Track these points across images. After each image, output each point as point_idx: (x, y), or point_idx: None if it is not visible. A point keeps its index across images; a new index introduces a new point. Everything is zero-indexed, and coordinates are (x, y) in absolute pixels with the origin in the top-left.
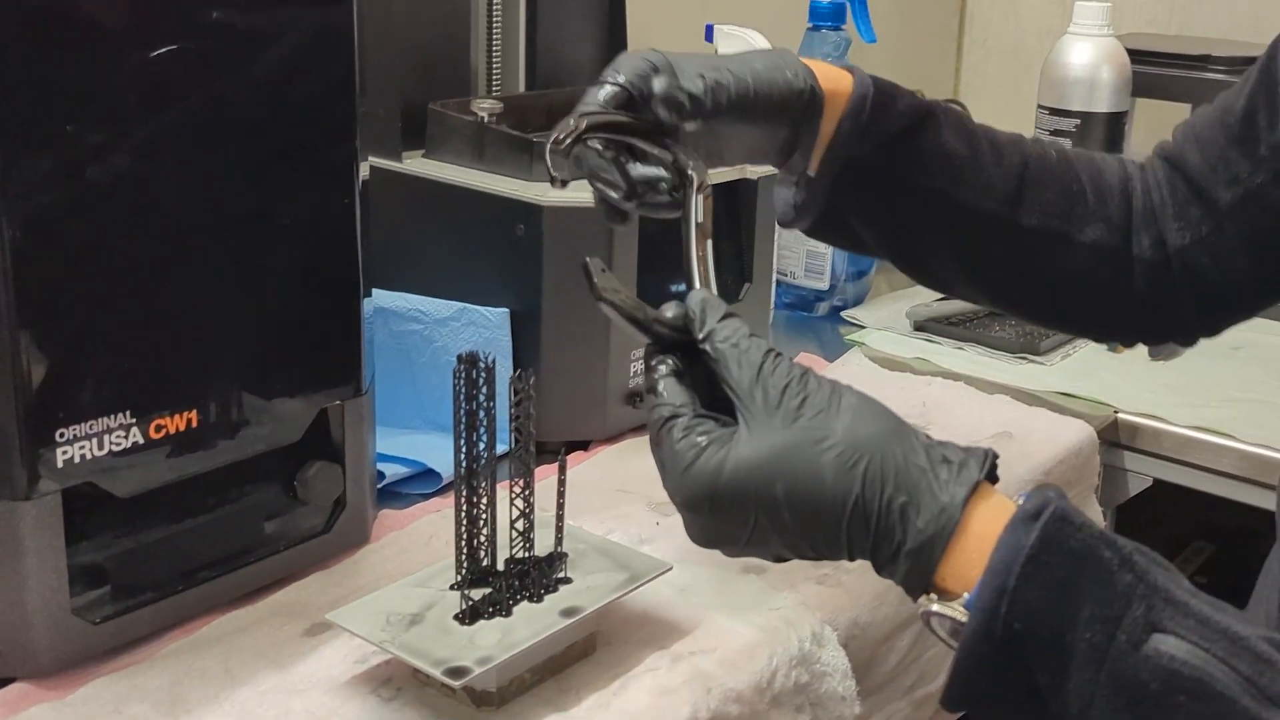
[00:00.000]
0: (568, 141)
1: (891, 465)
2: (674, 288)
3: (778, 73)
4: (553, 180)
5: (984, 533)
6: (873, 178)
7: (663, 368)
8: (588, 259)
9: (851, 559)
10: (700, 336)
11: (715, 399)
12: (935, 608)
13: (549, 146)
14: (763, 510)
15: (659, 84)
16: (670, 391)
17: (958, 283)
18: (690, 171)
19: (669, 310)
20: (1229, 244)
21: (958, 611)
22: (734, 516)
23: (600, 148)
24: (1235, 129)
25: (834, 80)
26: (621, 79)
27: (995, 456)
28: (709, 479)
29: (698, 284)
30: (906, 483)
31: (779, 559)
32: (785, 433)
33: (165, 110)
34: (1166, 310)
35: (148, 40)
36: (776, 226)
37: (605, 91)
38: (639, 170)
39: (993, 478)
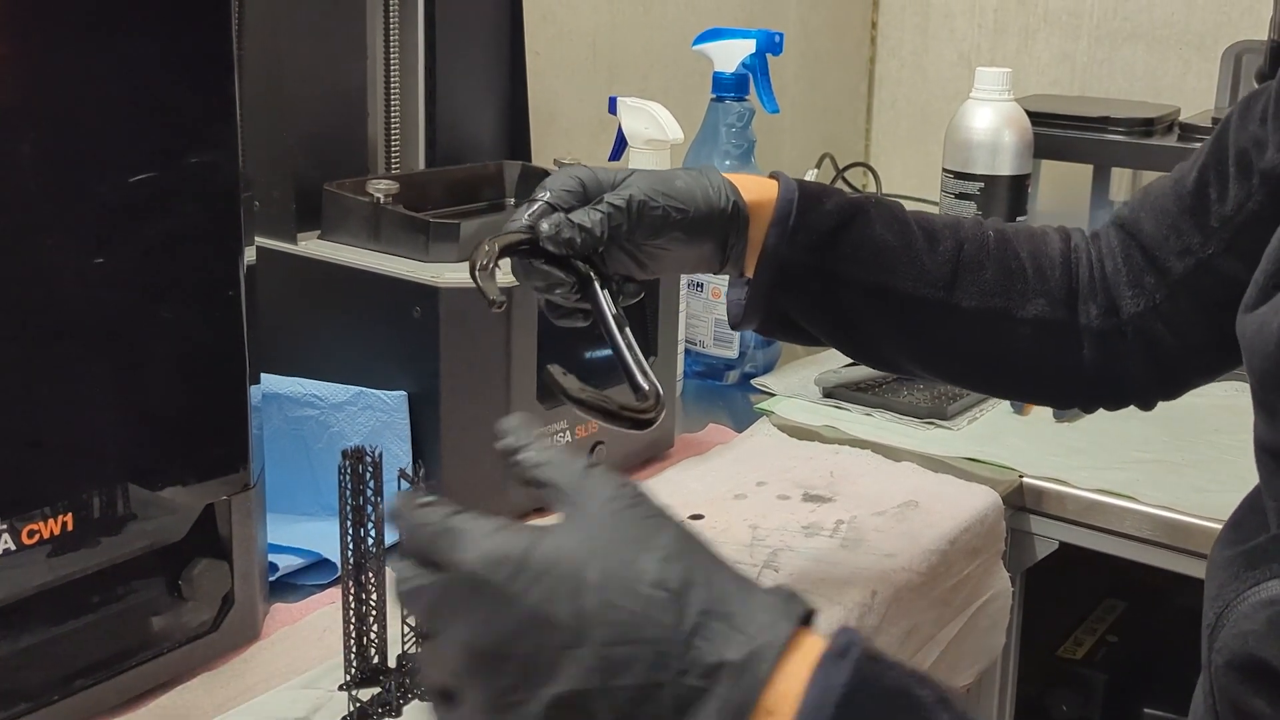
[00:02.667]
0: (489, 265)
1: (716, 577)
2: (587, 355)
3: (698, 190)
4: (490, 303)
5: (798, 671)
6: (808, 277)
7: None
8: (549, 366)
9: (646, 707)
10: (511, 455)
11: None
12: None
13: (473, 273)
14: (567, 592)
15: (547, 224)
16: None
17: (911, 366)
18: (587, 271)
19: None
20: (1183, 311)
21: None
22: (534, 592)
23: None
24: (1187, 200)
25: (759, 191)
26: (547, 196)
27: (812, 611)
28: (520, 545)
29: (634, 370)
30: (727, 594)
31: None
32: (607, 527)
33: (35, 200)
34: (1120, 377)
35: (20, 125)
36: (681, 295)
37: (531, 210)
38: (543, 269)
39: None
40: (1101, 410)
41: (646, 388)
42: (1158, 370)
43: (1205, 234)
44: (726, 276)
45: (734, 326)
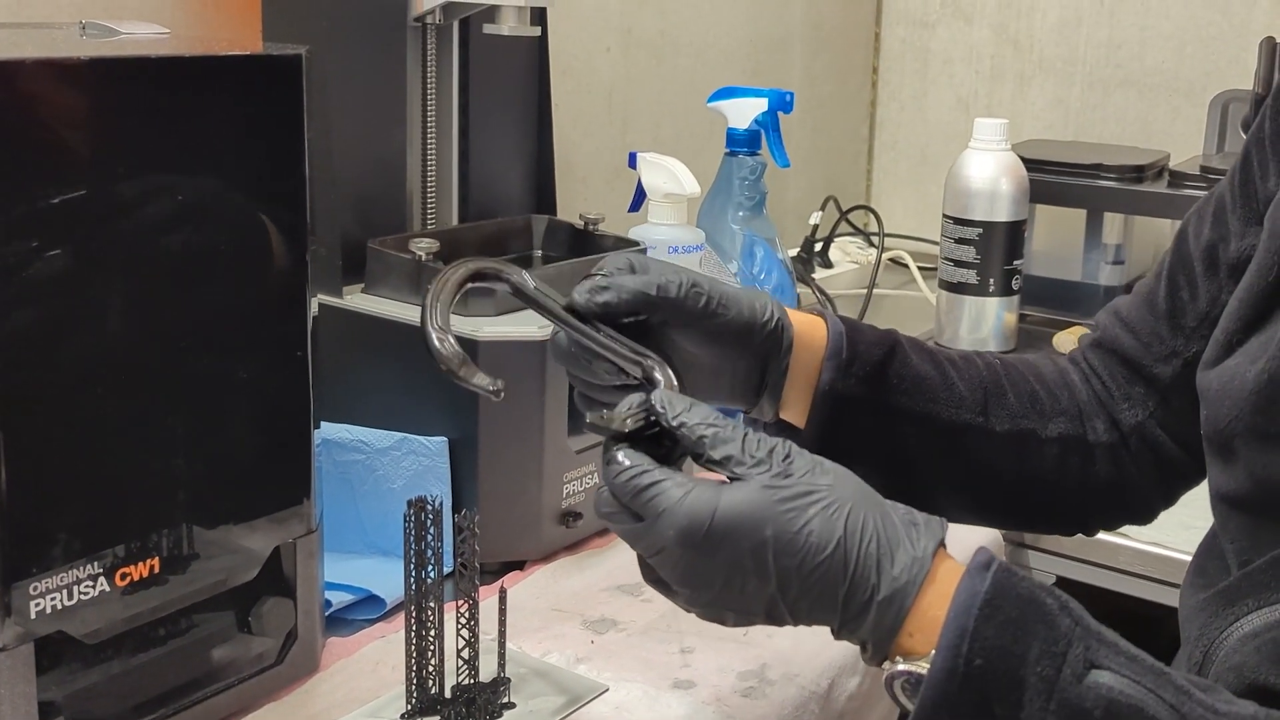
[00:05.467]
0: (458, 362)
1: (870, 519)
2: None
3: (744, 297)
4: (493, 394)
5: (944, 589)
6: (862, 411)
7: (616, 447)
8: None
9: (821, 616)
10: (674, 424)
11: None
12: (901, 666)
13: (454, 375)
14: (750, 551)
15: (580, 291)
16: (631, 457)
17: (948, 501)
18: (656, 375)
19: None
20: (1178, 412)
21: (921, 667)
22: (723, 554)
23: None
24: (1161, 306)
25: (805, 324)
26: (606, 271)
27: (945, 523)
28: (706, 512)
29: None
30: (882, 535)
31: (738, 621)
32: (776, 485)
33: (128, 267)
34: (1128, 489)
35: (118, 197)
36: None
37: (589, 284)
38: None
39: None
40: None
41: (660, 376)
42: (1160, 476)
43: (1186, 335)
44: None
45: None
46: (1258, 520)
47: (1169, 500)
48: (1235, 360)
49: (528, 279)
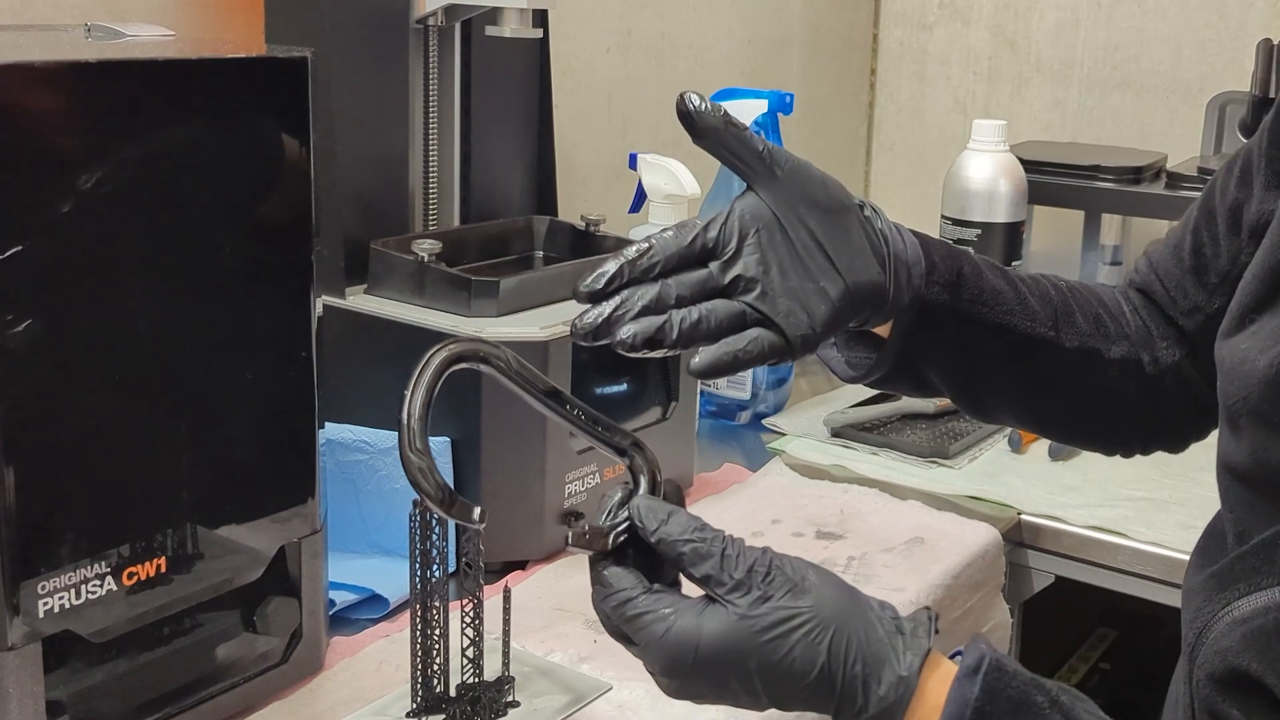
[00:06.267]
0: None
1: (854, 639)
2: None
3: (866, 270)
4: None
5: (935, 702)
6: (944, 320)
7: (601, 564)
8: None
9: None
10: (653, 540)
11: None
12: None
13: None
14: (737, 679)
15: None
16: (616, 578)
17: (1007, 409)
18: (637, 462)
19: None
20: (1206, 362)
21: None
22: (710, 680)
23: None
24: (1187, 261)
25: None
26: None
27: (936, 618)
28: (689, 648)
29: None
30: (866, 654)
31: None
32: (755, 615)
33: (136, 270)
34: (1168, 418)
35: (109, 189)
36: None
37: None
38: None
39: (934, 631)
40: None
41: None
42: (1196, 411)
43: (1209, 291)
44: None
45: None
46: (1255, 495)
47: (1201, 434)
48: (1246, 341)
49: (510, 359)
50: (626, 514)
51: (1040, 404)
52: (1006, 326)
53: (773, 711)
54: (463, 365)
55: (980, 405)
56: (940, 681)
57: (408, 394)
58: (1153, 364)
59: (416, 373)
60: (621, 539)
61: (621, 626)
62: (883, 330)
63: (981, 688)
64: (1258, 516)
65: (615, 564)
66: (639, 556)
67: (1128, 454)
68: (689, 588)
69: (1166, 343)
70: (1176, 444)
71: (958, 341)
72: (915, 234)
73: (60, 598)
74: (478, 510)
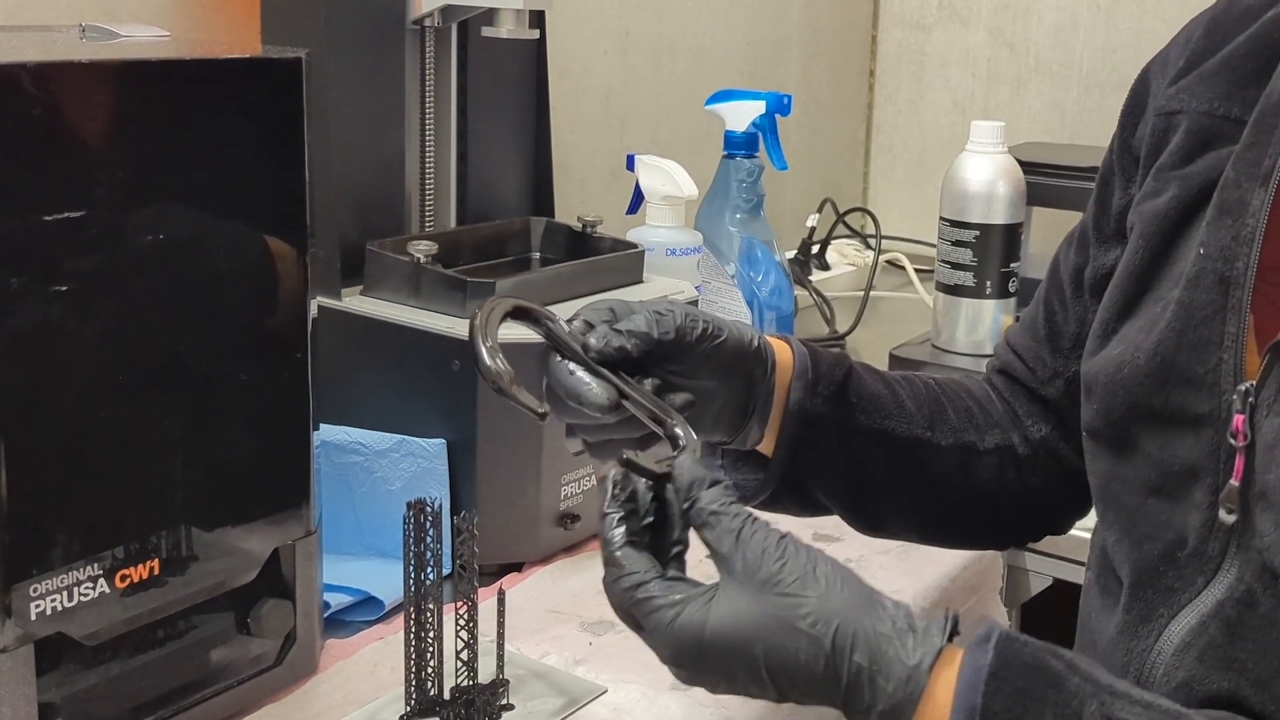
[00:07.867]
0: (505, 375)
1: (860, 633)
2: None
3: (728, 322)
4: (538, 415)
5: (947, 699)
6: (828, 430)
7: (616, 536)
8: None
9: (828, 709)
10: (685, 507)
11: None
12: None
13: (503, 391)
14: (743, 665)
15: (595, 338)
16: (630, 560)
17: (896, 517)
18: (678, 432)
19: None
20: (1075, 430)
21: None
22: (717, 668)
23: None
24: (1041, 332)
25: (773, 344)
26: (580, 319)
27: (956, 618)
28: (695, 636)
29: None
30: (872, 650)
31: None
32: (764, 599)
33: (134, 272)
34: (1048, 499)
35: (104, 191)
36: None
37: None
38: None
39: (954, 635)
40: None
41: (682, 435)
42: (1070, 487)
43: (1064, 355)
44: None
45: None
46: (1149, 503)
47: (1083, 510)
48: (1117, 349)
49: (563, 326)
50: (668, 467)
51: (925, 506)
52: (886, 432)
53: (790, 706)
54: (523, 321)
55: (869, 515)
56: (951, 682)
57: (478, 317)
58: (1024, 444)
59: (485, 306)
60: (665, 471)
61: (631, 610)
62: (766, 447)
63: (995, 654)
64: (1155, 525)
65: (629, 546)
66: (655, 539)
67: (1020, 545)
68: (703, 573)
69: (1032, 420)
70: (1059, 524)
71: (840, 452)
72: (805, 344)
73: (53, 600)
74: (545, 405)
